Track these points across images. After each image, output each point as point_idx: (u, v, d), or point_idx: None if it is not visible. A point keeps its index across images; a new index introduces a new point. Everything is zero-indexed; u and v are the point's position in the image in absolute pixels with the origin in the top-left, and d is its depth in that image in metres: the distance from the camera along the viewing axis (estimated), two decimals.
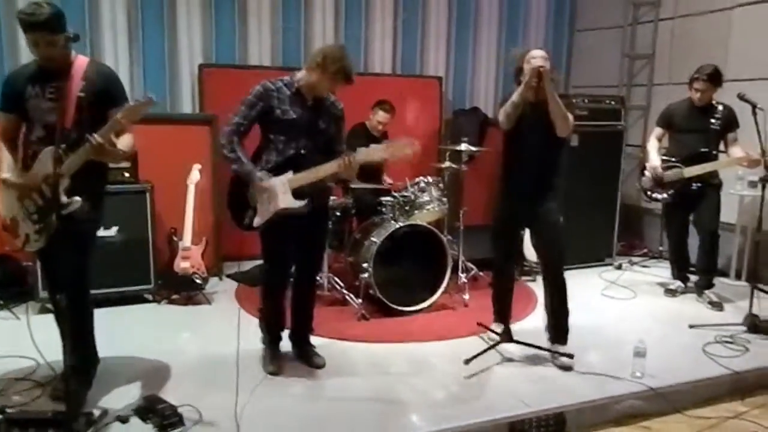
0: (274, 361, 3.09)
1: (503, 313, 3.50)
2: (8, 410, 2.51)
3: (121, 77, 2.86)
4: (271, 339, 3.16)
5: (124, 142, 2.58)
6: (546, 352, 3.24)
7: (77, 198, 2.49)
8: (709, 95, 4.12)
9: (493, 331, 3.42)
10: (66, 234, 2.42)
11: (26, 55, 4.43)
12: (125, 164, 3.93)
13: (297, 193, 2.85)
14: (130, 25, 4.84)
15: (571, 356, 3.15)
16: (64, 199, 2.46)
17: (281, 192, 2.84)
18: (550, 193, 3.18)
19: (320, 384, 2.98)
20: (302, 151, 2.90)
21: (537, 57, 3.05)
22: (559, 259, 3.24)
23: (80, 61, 2.64)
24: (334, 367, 3.14)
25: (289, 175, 2.85)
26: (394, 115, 4.67)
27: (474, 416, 2.68)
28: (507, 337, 3.27)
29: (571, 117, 3.06)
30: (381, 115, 4.60)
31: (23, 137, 2.67)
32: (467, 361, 3.11)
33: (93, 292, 2.90)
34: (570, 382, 3.00)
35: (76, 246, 2.56)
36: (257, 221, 2.89)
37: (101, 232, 3.78)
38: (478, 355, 3.15)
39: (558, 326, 3.26)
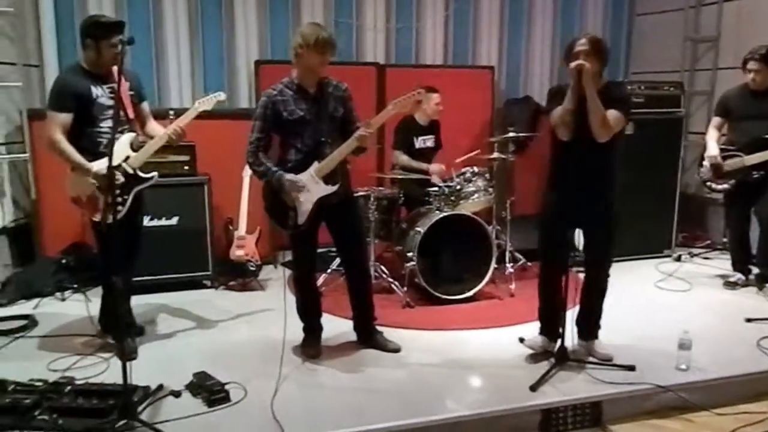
0: (313, 347, 3.23)
1: (550, 326, 3.15)
2: (77, 382, 2.77)
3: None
4: (308, 325, 3.28)
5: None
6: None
7: (155, 173, 3.14)
8: (764, 77, 3.93)
9: (544, 351, 3.13)
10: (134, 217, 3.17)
11: None
12: (185, 157, 4.18)
13: (327, 179, 2.99)
14: (191, 23, 5.09)
15: (632, 368, 2.97)
16: (145, 174, 3.11)
17: (313, 183, 2.98)
18: (601, 192, 2.96)
19: (358, 369, 3.08)
20: (321, 139, 3.01)
21: (577, 51, 2.84)
22: (604, 262, 3.09)
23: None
24: (373, 353, 3.25)
25: (315, 165, 2.98)
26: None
27: (509, 402, 2.71)
28: (562, 356, 2.99)
29: (616, 116, 2.84)
30: (435, 97, 4.53)
31: (79, 133, 3.03)
32: (533, 388, 2.81)
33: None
34: (609, 373, 2.97)
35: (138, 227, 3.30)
36: (301, 219, 3.03)
37: (164, 222, 4.11)
38: (543, 379, 2.87)
39: (589, 324, 3.17)
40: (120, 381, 2.52)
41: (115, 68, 2.96)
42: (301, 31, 2.98)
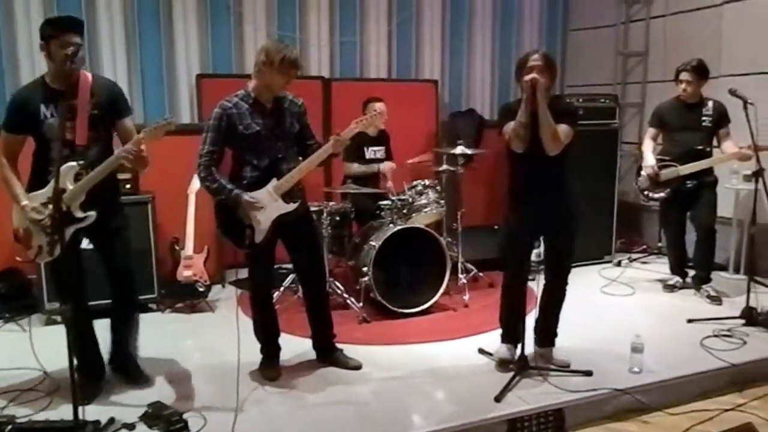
0: (273, 368, 3.14)
1: (513, 334, 3.20)
2: (17, 420, 2.57)
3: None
4: (267, 346, 3.19)
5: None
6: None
7: (92, 212, 2.71)
8: (696, 89, 4.17)
9: (505, 360, 3.17)
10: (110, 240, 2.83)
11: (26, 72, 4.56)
12: (126, 175, 3.99)
13: (286, 196, 2.92)
14: (128, 37, 4.90)
15: (590, 373, 3.06)
16: (79, 213, 2.66)
17: (272, 201, 2.90)
18: (560, 202, 3.02)
19: (320, 388, 3.02)
20: (279, 156, 2.95)
21: (532, 65, 2.88)
22: (565, 272, 3.18)
23: (84, 77, 2.74)
24: (334, 372, 3.19)
25: (274, 182, 2.91)
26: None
27: (473, 414, 2.71)
28: (523, 365, 3.02)
29: (566, 131, 2.90)
30: (379, 106, 4.46)
31: (36, 156, 2.76)
32: (498, 399, 2.83)
33: (97, 302, 3.01)
34: (568, 379, 3.03)
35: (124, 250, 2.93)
36: (258, 237, 2.93)
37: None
38: (506, 389, 2.89)
39: (547, 332, 3.24)
40: (66, 416, 2.35)
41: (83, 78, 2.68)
42: (266, 48, 2.88)
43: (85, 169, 2.68)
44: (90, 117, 2.71)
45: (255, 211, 2.88)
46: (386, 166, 4.64)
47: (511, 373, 3.02)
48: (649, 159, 4.34)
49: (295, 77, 2.93)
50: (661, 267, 5.02)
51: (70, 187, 2.67)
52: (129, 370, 3.03)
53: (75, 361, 2.34)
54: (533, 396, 2.87)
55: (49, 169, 2.67)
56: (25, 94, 2.76)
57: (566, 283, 3.20)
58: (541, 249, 3.47)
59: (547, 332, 3.24)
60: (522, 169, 3.01)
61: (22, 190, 2.72)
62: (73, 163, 2.67)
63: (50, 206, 2.58)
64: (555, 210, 2.99)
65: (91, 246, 2.93)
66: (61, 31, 2.61)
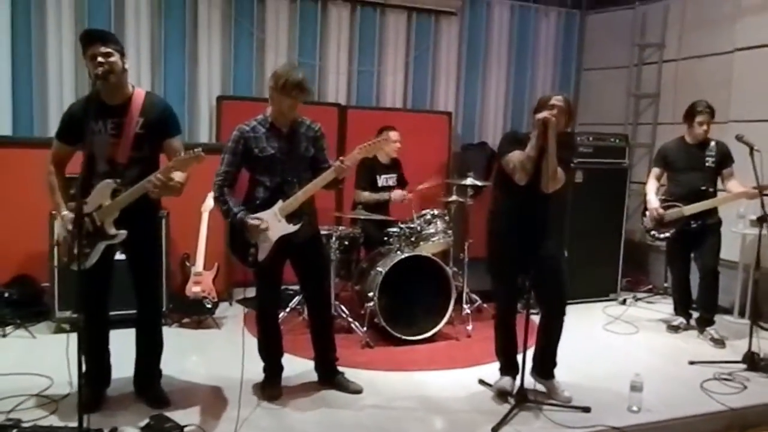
0: (274, 387, 3.19)
1: (511, 366, 3.25)
2: (23, 425, 2.63)
3: None
4: (269, 365, 3.24)
5: (179, 176, 2.74)
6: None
7: (123, 231, 2.77)
8: (709, 128, 4.22)
9: (505, 392, 3.19)
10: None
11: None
12: None
13: (290, 218, 3.00)
14: (153, 57, 5.08)
15: (588, 409, 3.06)
16: (112, 230, 2.72)
17: (276, 222, 2.99)
18: (547, 236, 3.08)
19: (319, 410, 3.05)
20: (288, 178, 3.04)
21: (553, 104, 2.97)
22: (560, 307, 3.19)
23: (138, 95, 2.81)
24: (334, 394, 3.23)
25: (279, 204, 3.00)
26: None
27: None
28: (522, 397, 3.03)
29: (561, 173, 2.98)
30: (393, 134, 4.63)
31: (83, 167, 2.75)
32: (495, 430, 2.85)
33: (110, 313, 3.06)
34: (566, 414, 3.04)
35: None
36: (261, 256, 3.02)
37: (118, 256, 3.96)
38: (504, 420, 2.91)
39: (546, 364, 3.26)
40: (71, 423, 2.41)
41: (131, 97, 2.71)
42: (275, 72, 3.02)
43: (124, 187, 2.72)
44: (135, 136, 2.75)
45: (260, 231, 2.97)
46: (397, 195, 4.69)
47: (510, 405, 3.04)
48: (653, 201, 4.39)
49: (302, 99, 3.01)
50: (666, 307, 5.01)
51: (106, 203, 2.72)
52: (153, 392, 3.01)
53: (83, 370, 2.40)
54: (530, 429, 2.89)
55: (93, 183, 2.71)
56: (78, 108, 2.79)
57: (563, 314, 3.21)
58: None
59: (544, 364, 3.26)
60: (514, 201, 3.09)
61: (64, 200, 2.80)
62: (110, 181, 2.72)
63: (86, 219, 2.64)
64: (540, 243, 3.02)
65: (121, 257, 2.97)
66: (87, 45, 2.65)
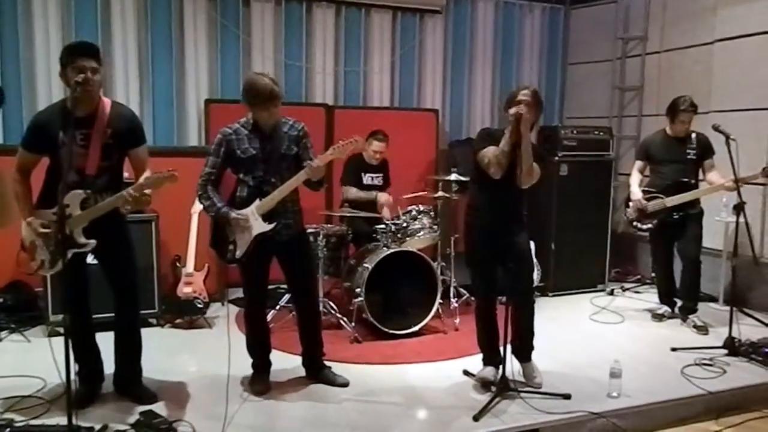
0: (262, 383, 3.26)
1: (493, 356, 3.35)
2: (16, 424, 2.71)
3: None
4: (257, 361, 3.32)
5: (149, 190, 2.83)
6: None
7: (93, 240, 2.83)
8: (691, 123, 4.30)
9: (487, 382, 3.27)
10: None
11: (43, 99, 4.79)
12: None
13: (266, 216, 3.08)
14: (140, 62, 5.14)
15: (568, 396, 3.15)
16: (81, 239, 2.79)
17: (253, 220, 3.07)
18: (519, 224, 3.24)
19: (305, 403, 3.13)
20: (269, 178, 3.10)
21: (521, 99, 3.07)
22: (530, 285, 3.36)
23: (103, 106, 2.86)
24: (321, 388, 3.30)
25: (257, 202, 3.07)
26: (388, 143, 4.83)
27: None
28: (503, 386, 3.13)
29: (537, 168, 3.08)
30: (376, 145, 4.77)
31: (48, 174, 2.86)
32: (476, 418, 2.94)
33: (101, 315, 3.14)
34: (547, 401, 3.12)
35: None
36: (238, 253, 3.10)
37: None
38: (486, 409, 2.99)
39: (524, 347, 3.35)
40: (62, 422, 2.48)
41: (99, 105, 2.76)
42: (243, 88, 3.07)
43: (92, 197, 2.80)
44: (103, 146, 2.81)
45: (238, 227, 3.06)
46: (383, 198, 4.76)
47: (492, 394, 3.12)
48: (636, 192, 4.46)
49: (276, 105, 3.04)
50: (652, 297, 5.08)
51: (75, 213, 2.78)
52: (136, 390, 3.08)
53: (73, 369, 2.47)
54: (511, 416, 2.97)
55: (59, 190, 2.74)
56: (46, 118, 2.83)
57: (532, 300, 3.35)
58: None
59: (521, 346, 3.34)
60: (490, 195, 3.20)
61: (30, 206, 2.86)
62: (80, 191, 2.78)
63: (54, 225, 2.71)
64: (515, 235, 3.20)
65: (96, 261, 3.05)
66: (77, 56, 2.71)
